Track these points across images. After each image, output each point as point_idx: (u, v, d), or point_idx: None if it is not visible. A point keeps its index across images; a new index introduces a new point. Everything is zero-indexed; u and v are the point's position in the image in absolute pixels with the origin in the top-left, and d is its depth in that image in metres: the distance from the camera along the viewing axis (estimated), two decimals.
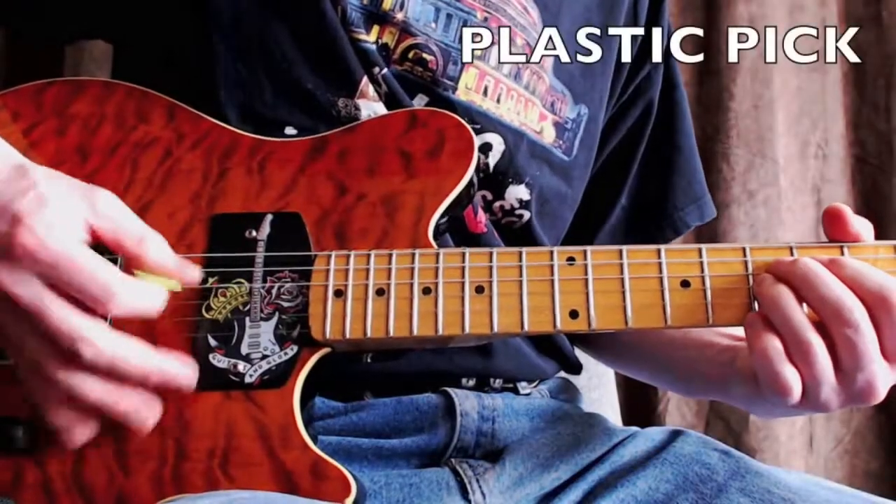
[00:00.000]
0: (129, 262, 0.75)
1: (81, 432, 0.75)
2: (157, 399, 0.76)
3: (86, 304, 0.70)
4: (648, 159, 1.13)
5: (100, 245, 0.73)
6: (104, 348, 0.70)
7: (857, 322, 0.72)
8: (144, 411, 0.75)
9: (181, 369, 0.75)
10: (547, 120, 0.99)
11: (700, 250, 0.80)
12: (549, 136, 1.00)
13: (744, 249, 0.80)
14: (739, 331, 0.83)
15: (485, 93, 0.95)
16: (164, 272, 0.76)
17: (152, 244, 0.75)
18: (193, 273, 0.79)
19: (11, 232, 0.68)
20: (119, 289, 0.70)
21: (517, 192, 0.97)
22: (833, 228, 0.79)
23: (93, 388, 0.72)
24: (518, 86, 0.97)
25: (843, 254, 0.79)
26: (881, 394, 0.74)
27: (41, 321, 0.69)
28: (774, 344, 0.74)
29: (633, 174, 1.12)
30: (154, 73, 0.95)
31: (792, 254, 0.79)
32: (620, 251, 0.80)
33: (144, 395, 0.75)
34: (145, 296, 0.73)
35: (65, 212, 0.71)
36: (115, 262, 0.74)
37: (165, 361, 0.74)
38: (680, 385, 1.07)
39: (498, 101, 0.96)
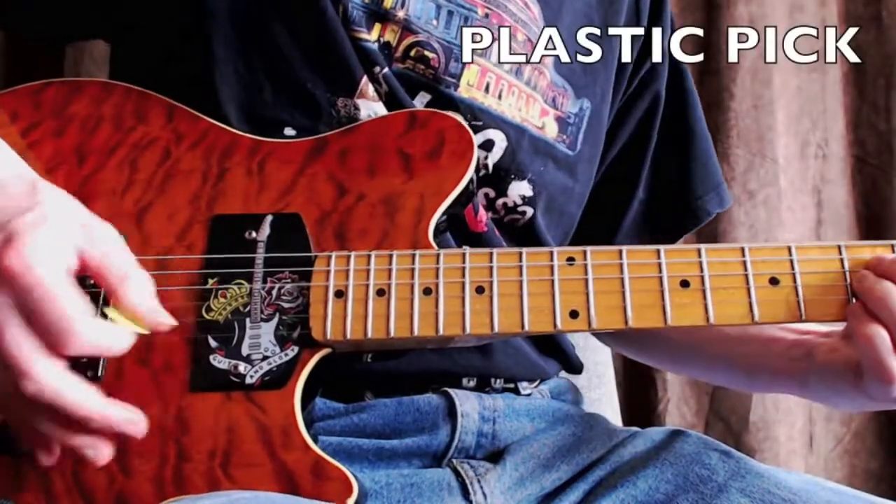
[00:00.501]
0: (108, 296, 0.73)
1: (44, 455, 0.74)
2: (107, 442, 0.74)
3: (45, 337, 0.68)
4: (663, 149, 1.12)
5: (84, 277, 0.72)
6: (46, 387, 0.68)
7: None
8: (91, 452, 0.73)
9: (126, 417, 0.73)
10: (549, 115, 0.99)
11: (699, 250, 0.80)
12: (551, 132, 1.00)
13: (742, 249, 0.80)
14: (804, 325, 0.88)
15: (486, 89, 0.95)
16: (136, 316, 0.73)
17: (134, 284, 0.73)
18: (166, 321, 0.76)
19: (2, 249, 0.67)
20: (80, 326, 0.68)
21: (520, 189, 0.97)
22: None
23: (40, 421, 0.71)
24: (519, 82, 0.97)
25: (840, 253, 0.80)
26: None
27: None
28: (882, 334, 0.76)
29: (648, 166, 1.12)
30: (152, 73, 0.95)
31: (790, 253, 0.80)
32: (620, 251, 0.81)
33: (91, 436, 0.73)
34: (108, 337, 0.71)
35: (57, 236, 0.69)
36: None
37: (111, 407, 0.72)
38: (741, 380, 1.06)
39: (499, 97, 0.96)
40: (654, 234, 1.12)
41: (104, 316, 0.73)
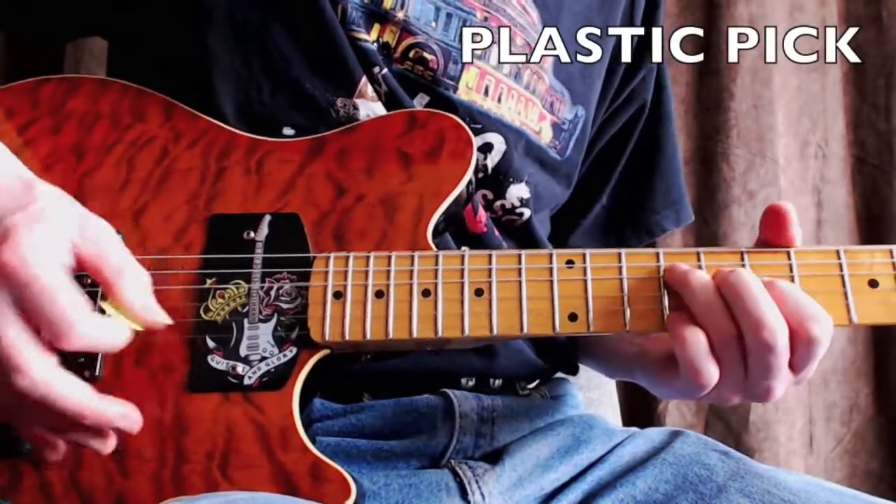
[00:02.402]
0: (104, 292, 0.73)
1: (48, 450, 0.75)
2: (105, 436, 0.74)
3: (42, 332, 0.68)
4: (633, 161, 1.14)
5: (83, 275, 0.72)
6: (38, 381, 0.68)
7: (775, 344, 0.73)
8: (94, 443, 0.74)
9: (120, 412, 0.73)
10: (546, 120, 1.00)
11: (698, 254, 0.80)
12: (546, 137, 1.00)
13: (741, 254, 0.80)
14: None
15: (485, 92, 0.95)
16: (132, 311, 0.73)
17: (130, 280, 0.73)
18: (162, 319, 0.76)
19: None
20: (79, 322, 0.68)
21: (518, 191, 0.97)
22: (771, 228, 0.80)
23: (35, 417, 0.71)
24: (518, 85, 0.97)
25: (839, 258, 0.80)
26: (778, 397, 0.77)
27: None
28: (700, 338, 0.75)
29: (617, 175, 1.13)
30: (150, 71, 0.95)
31: (789, 258, 0.80)
32: (619, 254, 0.80)
33: (87, 431, 0.73)
34: (106, 332, 0.71)
35: (53, 233, 0.70)
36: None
37: (103, 403, 0.72)
38: (601, 366, 1.09)
39: (499, 100, 0.96)
40: (610, 240, 1.14)
41: (101, 312, 0.73)
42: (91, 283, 0.74)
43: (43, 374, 0.68)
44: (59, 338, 0.68)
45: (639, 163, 1.14)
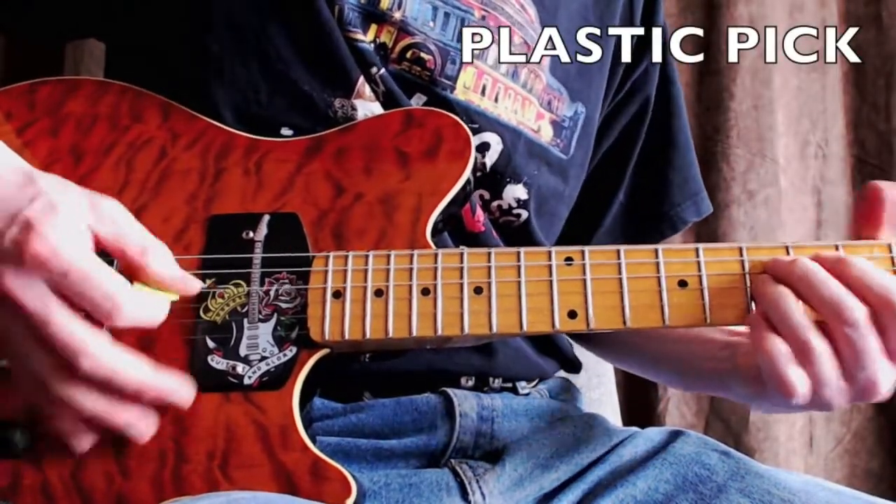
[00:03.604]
0: (130, 272, 0.74)
1: (84, 438, 0.75)
2: (154, 414, 0.76)
3: (90, 313, 0.70)
4: (645, 156, 1.13)
5: (102, 253, 0.73)
6: (102, 361, 0.70)
7: (857, 321, 0.72)
8: (141, 425, 0.75)
9: (178, 386, 0.75)
10: (544, 118, 0.99)
11: (697, 250, 0.80)
12: (546, 135, 1.00)
13: (740, 249, 0.80)
14: (738, 326, 0.84)
15: (483, 92, 0.95)
16: (165, 284, 0.75)
17: (155, 254, 0.75)
18: (194, 285, 0.78)
19: (23, 238, 0.68)
20: (125, 299, 0.70)
21: (515, 192, 0.97)
22: (868, 213, 0.79)
23: (89, 400, 0.72)
24: (515, 84, 0.97)
25: (788, 253, 0.79)
26: (884, 391, 0.74)
27: (44, 328, 0.69)
28: (779, 345, 0.73)
29: (630, 171, 1.13)
30: (148, 72, 0.95)
31: (788, 253, 0.79)
32: (618, 251, 0.80)
33: (141, 409, 0.74)
34: (150, 307, 0.73)
35: (73, 220, 0.71)
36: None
37: (162, 377, 0.74)
38: (675, 379, 1.07)
39: (496, 100, 0.96)
40: (631, 238, 1.13)
41: None
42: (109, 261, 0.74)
43: (105, 352, 0.70)
44: (108, 317, 0.69)
45: (653, 157, 1.13)
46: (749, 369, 0.82)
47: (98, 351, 0.69)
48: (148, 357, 0.74)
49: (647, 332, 1.04)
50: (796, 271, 0.75)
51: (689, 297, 0.79)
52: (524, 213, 0.98)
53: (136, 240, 0.74)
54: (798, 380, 0.73)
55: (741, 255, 0.80)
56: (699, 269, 0.79)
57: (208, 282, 0.82)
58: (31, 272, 0.68)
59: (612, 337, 1.13)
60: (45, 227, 0.68)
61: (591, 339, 1.18)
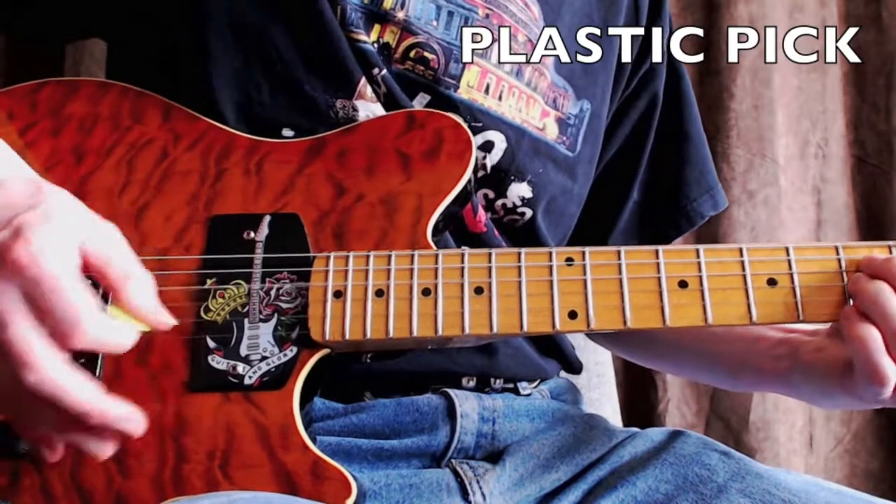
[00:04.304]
0: (111, 295, 0.73)
1: (48, 452, 0.75)
2: (109, 437, 0.73)
3: (53, 329, 0.68)
4: (658, 151, 1.13)
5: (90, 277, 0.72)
6: (46, 378, 0.67)
7: None
8: (94, 445, 0.73)
9: (127, 415, 0.72)
10: (549, 116, 0.99)
11: (697, 251, 0.80)
12: (551, 133, 0.99)
13: (740, 250, 0.80)
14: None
15: (486, 90, 0.95)
16: (139, 314, 0.73)
17: (136, 284, 0.73)
18: (167, 321, 0.75)
19: (9, 243, 0.67)
20: (89, 320, 0.68)
21: (519, 190, 0.97)
22: None
23: (39, 412, 0.70)
24: (520, 83, 0.97)
25: (837, 253, 0.80)
26: None
27: (2, 333, 0.67)
28: (874, 335, 0.76)
29: (644, 168, 1.12)
30: (149, 73, 0.95)
31: (788, 254, 0.80)
32: (619, 252, 0.81)
33: (89, 431, 0.72)
34: (114, 334, 0.71)
35: (64, 232, 0.69)
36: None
37: (110, 404, 0.71)
38: (726, 379, 1.06)
39: (500, 98, 0.96)
40: (649, 235, 1.13)
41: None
42: (94, 283, 0.73)
43: (52, 370, 0.68)
44: (66, 335, 0.67)
45: (666, 153, 1.13)
46: (816, 364, 0.85)
47: (45, 366, 0.67)
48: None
49: (694, 335, 1.04)
50: (893, 269, 0.77)
51: (690, 297, 0.79)
52: (528, 212, 0.98)
53: (122, 265, 0.72)
54: (890, 368, 0.75)
55: (741, 255, 0.80)
56: (699, 270, 0.79)
57: (209, 282, 0.82)
58: (8, 276, 0.67)
59: (653, 340, 1.12)
60: (33, 233, 0.67)
61: (631, 343, 1.18)
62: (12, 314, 0.67)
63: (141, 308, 0.73)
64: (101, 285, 0.73)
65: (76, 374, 0.69)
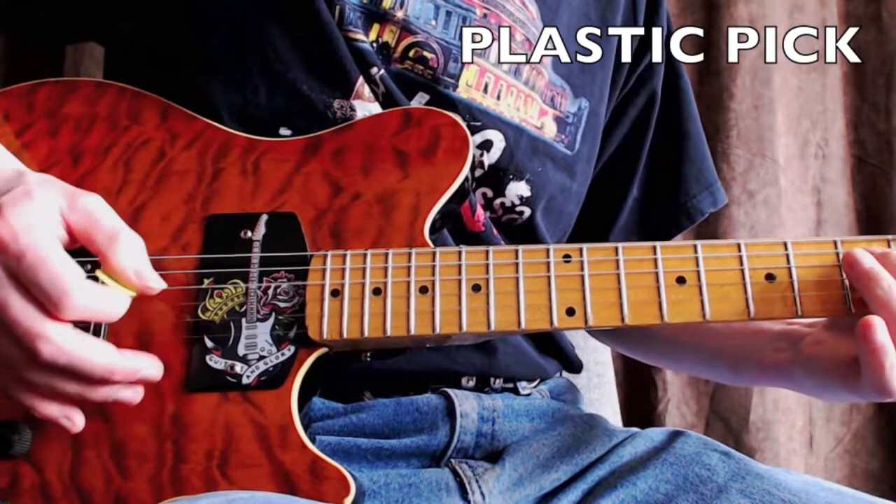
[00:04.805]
0: (99, 260, 0.73)
1: (74, 419, 0.75)
2: (128, 387, 0.75)
3: (42, 302, 0.68)
4: (657, 149, 1.13)
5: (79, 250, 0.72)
6: (62, 347, 0.69)
7: None
8: (127, 393, 0.75)
9: (146, 363, 0.75)
10: (547, 115, 0.99)
11: (695, 246, 0.80)
12: (550, 132, 1.00)
13: (738, 245, 0.80)
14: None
15: (485, 90, 0.95)
16: (126, 274, 0.73)
17: (123, 244, 0.72)
18: (157, 283, 0.75)
19: None
20: (75, 290, 0.68)
21: (517, 189, 0.97)
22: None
23: (59, 384, 0.71)
24: (518, 82, 0.97)
25: (836, 248, 0.80)
26: None
27: (4, 313, 0.68)
28: (891, 351, 0.75)
29: (643, 165, 1.13)
30: (147, 73, 0.95)
31: (786, 248, 0.80)
32: (616, 248, 0.80)
33: (115, 387, 0.74)
34: (104, 301, 0.71)
35: (42, 206, 0.70)
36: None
37: (128, 357, 0.73)
38: (727, 374, 1.06)
39: (498, 97, 0.96)
40: (649, 233, 1.13)
41: (95, 280, 0.72)
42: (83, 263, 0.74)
43: (65, 337, 0.69)
44: (58, 306, 0.68)
45: (665, 150, 1.13)
46: (816, 357, 0.84)
47: (56, 336, 0.68)
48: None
49: (694, 331, 1.04)
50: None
51: (687, 294, 0.79)
52: (527, 211, 0.98)
53: (108, 226, 0.72)
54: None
55: (739, 250, 0.80)
56: (697, 266, 0.79)
57: (206, 281, 0.82)
58: None
59: (653, 337, 1.12)
60: (13, 211, 0.68)
61: (631, 339, 1.18)
62: (8, 294, 0.68)
63: (127, 270, 0.73)
64: (91, 251, 0.73)
65: (87, 336, 0.71)
